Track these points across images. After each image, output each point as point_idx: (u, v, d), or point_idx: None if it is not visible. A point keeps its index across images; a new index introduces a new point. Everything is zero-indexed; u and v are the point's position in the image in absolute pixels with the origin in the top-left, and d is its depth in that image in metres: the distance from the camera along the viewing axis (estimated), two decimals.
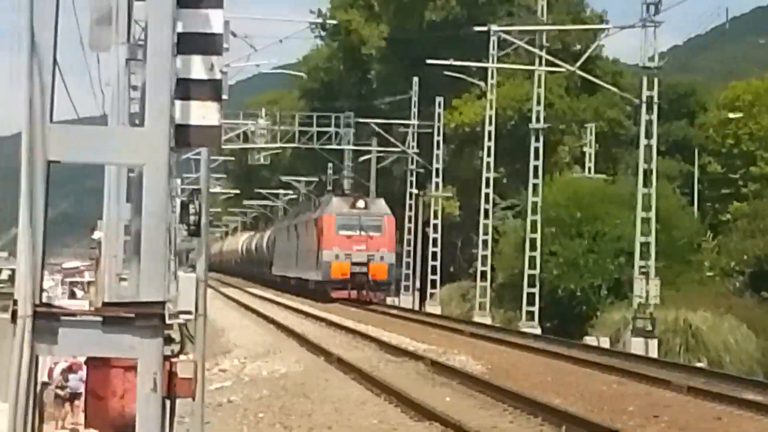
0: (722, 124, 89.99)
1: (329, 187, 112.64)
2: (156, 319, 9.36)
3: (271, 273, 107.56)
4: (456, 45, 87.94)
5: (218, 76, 10.88)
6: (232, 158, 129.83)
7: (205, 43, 10.49)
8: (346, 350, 45.93)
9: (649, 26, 63.98)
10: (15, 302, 9.25)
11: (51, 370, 42.57)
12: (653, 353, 55.73)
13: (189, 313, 20.55)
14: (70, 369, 42.78)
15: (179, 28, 9.90)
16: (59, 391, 43.24)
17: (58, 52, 9.85)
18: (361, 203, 78.71)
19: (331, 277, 74.71)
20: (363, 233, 75.75)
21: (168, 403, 10.68)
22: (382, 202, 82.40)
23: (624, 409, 31.48)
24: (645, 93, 64.60)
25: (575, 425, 27.46)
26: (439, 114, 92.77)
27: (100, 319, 9.47)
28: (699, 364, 51.35)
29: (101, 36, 17.49)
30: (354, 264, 74.24)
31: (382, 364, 41.40)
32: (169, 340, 10.30)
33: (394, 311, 77.25)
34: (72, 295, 76.75)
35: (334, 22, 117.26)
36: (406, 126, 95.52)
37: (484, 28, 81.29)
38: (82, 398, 28.40)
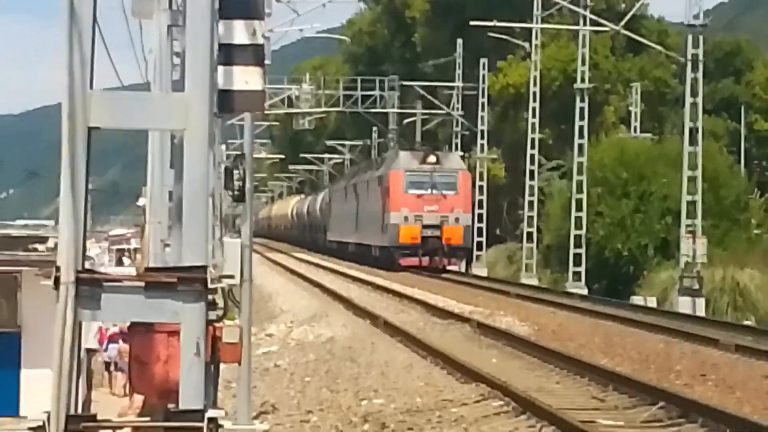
0: (764, 85, 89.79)
1: (375, 152, 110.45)
2: (198, 284, 9.54)
3: (326, 239, 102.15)
4: (500, 6, 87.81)
5: (261, 41, 11.03)
6: (277, 123, 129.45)
7: (247, 8, 10.62)
8: (392, 313, 45.71)
9: None
10: (57, 269, 9.44)
11: (102, 338, 42.80)
12: (701, 312, 55.47)
13: (232, 277, 20.68)
14: (111, 338, 42.96)
15: None
16: (107, 359, 43.36)
17: (100, 21, 10.04)
18: (432, 158, 70.22)
19: (400, 242, 67.19)
20: (435, 192, 67.59)
21: (212, 368, 10.82)
22: (456, 156, 76.03)
23: (671, 369, 31.27)
24: (690, 51, 64.35)
25: (622, 385, 27.06)
26: (483, 76, 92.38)
27: (142, 284, 9.66)
28: (747, 323, 51.09)
29: (143, 3, 17.69)
30: (425, 227, 66.41)
31: (429, 327, 41.23)
32: (213, 305, 10.42)
33: (441, 273, 70.99)
34: (119, 263, 76.27)
35: None
36: (451, 89, 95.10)
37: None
38: (120, 366, 28.34)
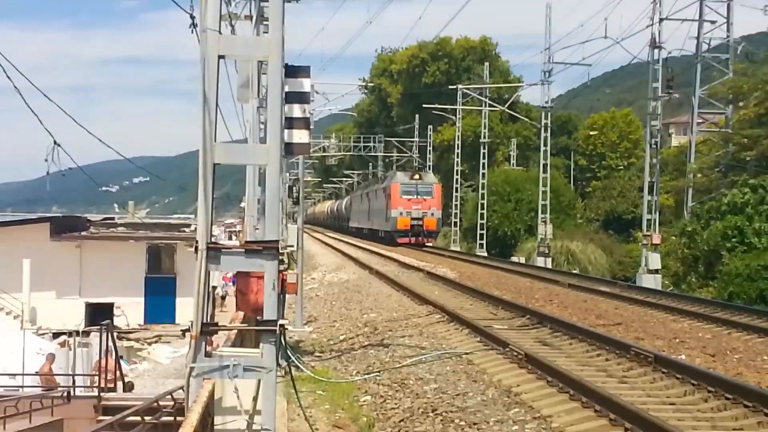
0: (586, 138, 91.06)
1: (371, 177, 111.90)
2: (274, 250, 9.66)
3: (348, 225, 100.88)
4: (440, 96, 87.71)
5: (308, 115, 11.15)
6: (317, 161, 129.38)
7: (301, 97, 10.68)
8: (381, 267, 45.77)
9: (545, 84, 63.49)
10: (196, 242, 9.55)
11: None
12: (549, 265, 55.86)
13: (292, 246, 20.59)
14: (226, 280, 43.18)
15: (286, 89, 10.09)
16: (221, 292, 43.62)
17: (220, 103, 10.11)
18: (417, 176, 71.30)
19: (397, 228, 68.29)
20: (419, 197, 68.93)
21: (281, 297, 10.92)
22: (432, 174, 75.74)
23: (533, 296, 31.25)
24: (543, 121, 64.41)
25: (506, 306, 26.98)
26: (430, 134, 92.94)
27: (243, 250, 9.78)
28: (574, 271, 51.23)
29: (244, 94, 17.63)
30: (413, 219, 68.02)
31: (400, 274, 41.36)
32: (282, 262, 10.50)
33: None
34: (230, 238, 75.96)
35: (372, 84, 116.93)
36: (412, 141, 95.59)
37: (454, 87, 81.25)
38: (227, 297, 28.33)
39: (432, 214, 68.20)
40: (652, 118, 48.06)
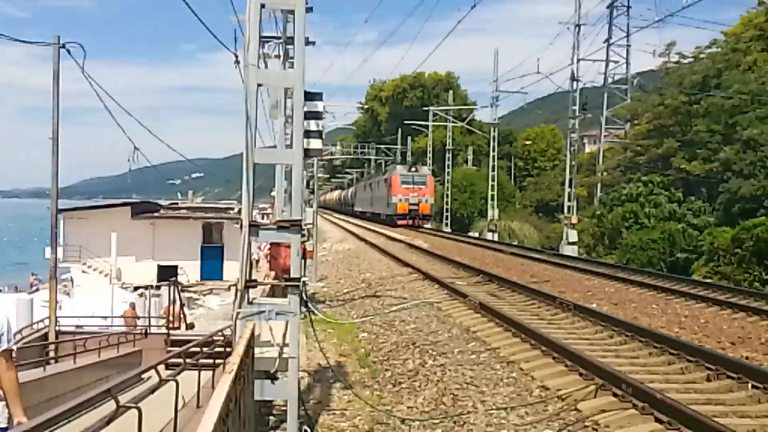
0: (523, 146, 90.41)
1: (368, 173, 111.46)
2: (298, 226, 9.59)
3: (353, 210, 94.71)
4: (417, 115, 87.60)
5: (321, 128, 11.07)
6: (326, 162, 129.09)
7: (316, 115, 10.60)
8: (373, 239, 45.57)
9: (493, 106, 63.58)
10: (241, 221, 9.50)
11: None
12: (496, 238, 55.76)
13: (310, 224, 20.52)
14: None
15: (305, 109, 10.01)
16: (255, 257, 43.53)
17: (258, 120, 10.05)
18: (413, 169, 65.17)
19: (397, 212, 62.20)
20: (415, 186, 62.64)
21: (303, 261, 10.90)
22: (426, 168, 68.71)
23: (485, 261, 31.09)
24: (492, 134, 64.35)
25: (465, 268, 26.81)
26: (409, 144, 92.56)
27: (275, 227, 9.71)
28: (514, 243, 51.16)
29: (274, 113, 17.51)
30: (410, 204, 61.92)
31: (388, 245, 41.17)
32: (303, 235, 10.44)
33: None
34: (262, 218, 75.87)
35: (367, 106, 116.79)
36: (396, 148, 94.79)
37: (427, 109, 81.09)
38: (260, 262, 28.30)
39: (426, 201, 63.14)
40: (571, 132, 48.11)
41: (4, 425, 4.78)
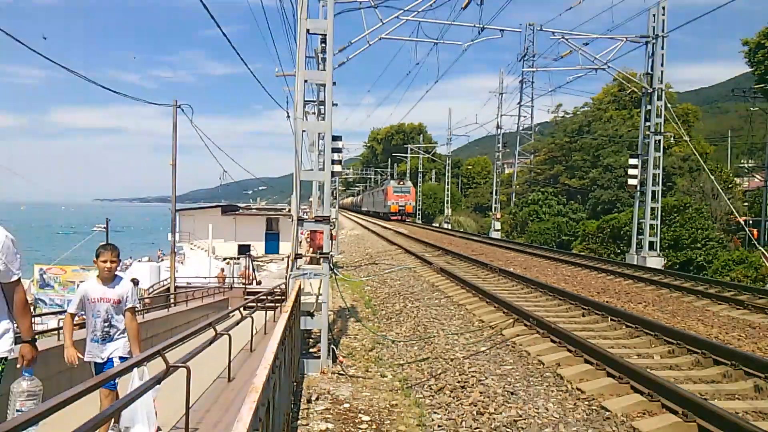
0: (467, 169, 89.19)
1: (369, 188, 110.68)
2: (328, 219, 9.53)
3: (361, 209, 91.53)
4: (400, 150, 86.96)
5: (341, 158, 11.04)
6: (342, 179, 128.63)
7: (338, 150, 10.55)
8: (374, 228, 45.23)
9: (448, 144, 63.26)
10: (291, 217, 9.41)
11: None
12: (449, 227, 55.44)
13: (335, 218, 20.37)
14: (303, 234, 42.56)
15: (333, 146, 9.93)
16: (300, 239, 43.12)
17: (303, 152, 9.96)
18: (401, 182, 61.72)
19: (390, 211, 58.94)
20: (402, 194, 59.48)
21: (331, 241, 10.86)
22: (409, 182, 63.95)
23: (443, 241, 30.96)
24: (447, 162, 63.90)
25: (432, 246, 26.47)
26: (396, 168, 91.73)
27: (314, 220, 9.64)
28: (460, 230, 50.82)
29: (312, 148, 17.41)
30: (399, 206, 58.67)
31: (382, 231, 40.89)
32: (331, 225, 10.33)
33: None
34: (304, 215, 75.72)
35: (369, 144, 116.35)
36: (387, 171, 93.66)
37: (407, 146, 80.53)
38: (302, 242, 28.25)
39: (409, 203, 60.55)
40: (496, 160, 48.08)
41: (126, 355, 4.78)
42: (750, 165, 43.87)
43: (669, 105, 22.73)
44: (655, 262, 21.19)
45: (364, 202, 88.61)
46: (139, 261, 44.28)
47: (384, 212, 62.08)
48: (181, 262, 42.17)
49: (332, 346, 9.40)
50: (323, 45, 17.01)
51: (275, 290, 14.12)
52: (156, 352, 3.62)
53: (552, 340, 8.62)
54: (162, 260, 43.35)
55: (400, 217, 59.16)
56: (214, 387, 5.72)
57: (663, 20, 21.15)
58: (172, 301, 18.60)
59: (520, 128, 53.25)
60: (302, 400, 7.41)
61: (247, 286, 23.91)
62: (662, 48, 21.30)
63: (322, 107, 20.48)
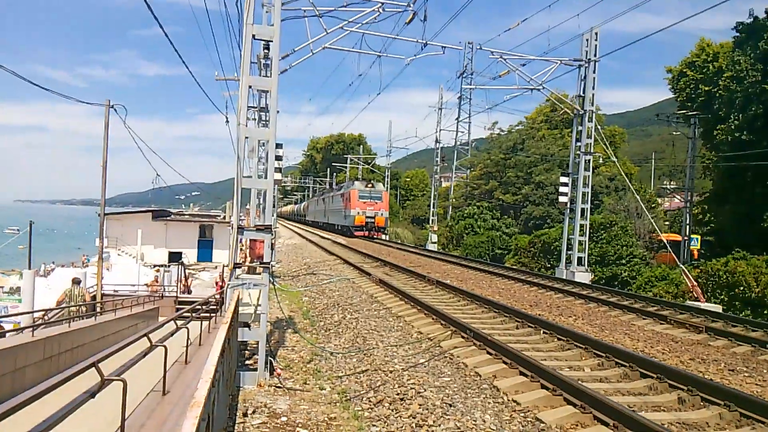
0: (405, 182, 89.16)
1: (308, 196, 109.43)
2: (269, 229, 9.38)
3: (305, 219, 78.21)
4: (340, 160, 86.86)
5: (281, 166, 10.92)
6: (282, 187, 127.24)
7: (279, 158, 10.42)
8: (311, 237, 44.72)
9: (388, 156, 63.58)
10: (231, 224, 9.20)
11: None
12: (388, 239, 55.36)
13: (275, 227, 20.06)
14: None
15: (276, 154, 9.82)
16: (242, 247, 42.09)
17: (244, 160, 9.79)
18: (370, 185, 46.95)
19: (355, 224, 45.07)
20: (372, 200, 45.33)
21: (272, 250, 10.67)
22: (381, 185, 50.22)
23: (381, 252, 30.91)
24: (387, 173, 64.15)
25: (369, 257, 26.64)
26: (335, 177, 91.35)
27: (255, 229, 9.46)
28: (398, 242, 51.02)
29: (252, 155, 17.11)
30: (367, 218, 44.85)
31: (320, 241, 40.54)
32: (270, 234, 10.18)
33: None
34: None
35: (309, 153, 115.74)
36: (325, 180, 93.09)
37: (347, 156, 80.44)
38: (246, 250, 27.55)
39: (381, 214, 46.04)
40: (434, 174, 48.81)
41: None
42: (671, 186, 46.51)
43: (598, 126, 23.81)
44: (583, 276, 22.02)
45: (310, 211, 75.44)
46: (63, 267, 42.13)
47: (344, 225, 48.36)
48: (108, 269, 40.40)
49: (270, 358, 9.22)
50: (266, 51, 16.84)
51: (210, 300, 13.74)
52: (91, 364, 3.44)
53: (488, 352, 8.79)
54: (87, 266, 41.41)
55: (367, 233, 45.43)
56: (149, 400, 5.49)
57: (595, 45, 22.19)
58: (99, 309, 17.74)
59: (458, 143, 54.40)
60: (238, 413, 7.22)
61: (179, 296, 23.12)
62: (594, 72, 22.33)
63: (263, 113, 20.20)
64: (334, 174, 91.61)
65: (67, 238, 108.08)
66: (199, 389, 3.37)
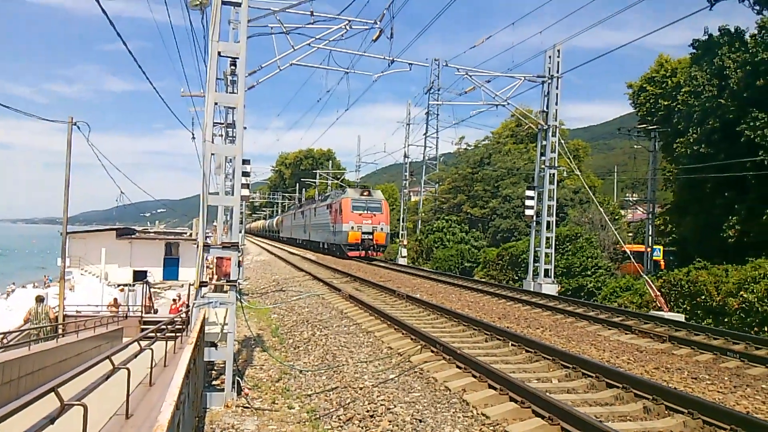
0: (385, 192, 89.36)
1: (277, 212, 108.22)
2: (236, 246, 9.28)
3: (280, 236, 69.18)
4: (309, 175, 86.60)
5: (249, 182, 10.82)
6: (249, 203, 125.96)
7: (246, 174, 10.34)
8: (280, 254, 44.38)
9: (357, 171, 63.64)
10: (197, 242, 9.09)
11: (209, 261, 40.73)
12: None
13: (242, 244, 19.82)
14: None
15: (243, 171, 9.74)
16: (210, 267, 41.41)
17: (210, 175, 9.69)
18: (366, 193, 39.05)
19: (348, 241, 36.88)
20: (369, 212, 36.93)
21: (240, 269, 10.52)
22: (380, 192, 41.43)
23: (350, 267, 30.67)
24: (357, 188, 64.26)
25: (339, 272, 26.57)
26: (304, 193, 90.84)
27: (221, 246, 9.33)
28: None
29: (219, 171, 16.93)
30: (364, 233, 36.59)
31: (289, 257, 40.08)
32: (237, 251, 10.06)
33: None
34: (205, 239, 72.89)
35: (277, 168, 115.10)
36: (294, 196, 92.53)
37: (315, 171, 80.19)
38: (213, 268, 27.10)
39: (381, 229, 37.68)
40: (403, 188, 49.08)
41: None
42: (634, 198, 47.68)
43: (562, 141, 24.31)
44: (550, 288, 22.33)
45: (284, 227, 66.56)
46: (23, 287, 40.86)
47: (332, 243, 40.47)
48: (71, 289, 39.35)
49: (237, 377, 9.08)
50: (233, 67, 16.77)
51: (176, 319, 13.48)
52: (50, 389, 3.35)
53: (458, 366, 8.82)
54: (49, 287, 40.25)
55: (364, 253, 37.90)
56: (111, 425, 5.35)
57: (558, 62, 22.73)
58: (60, 330, 17.23)
59: (426, 158, 54.84)
60: None
61: (144, 315, 22.62)
62: (557, 87, 22.84)
63: (230, 129, 20.07)
64: (303, 189, 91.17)
65: (28, 257, 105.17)
66: (163, 412, 3.31)
